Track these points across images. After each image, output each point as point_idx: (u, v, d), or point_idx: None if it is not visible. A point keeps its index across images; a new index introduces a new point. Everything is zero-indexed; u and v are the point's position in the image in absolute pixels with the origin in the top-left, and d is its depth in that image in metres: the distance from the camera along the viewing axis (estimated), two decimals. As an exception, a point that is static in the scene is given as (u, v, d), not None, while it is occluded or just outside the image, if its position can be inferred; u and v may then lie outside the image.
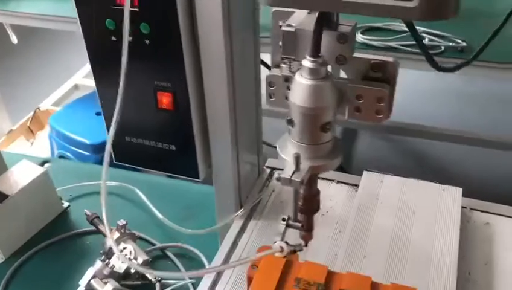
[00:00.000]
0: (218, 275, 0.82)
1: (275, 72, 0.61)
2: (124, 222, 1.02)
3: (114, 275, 0.97)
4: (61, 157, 2.07)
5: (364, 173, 0.97)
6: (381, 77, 0.56)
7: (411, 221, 0.86)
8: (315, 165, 0.56)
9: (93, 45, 0.78)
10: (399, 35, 1.68)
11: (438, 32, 1.67)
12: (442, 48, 1.63)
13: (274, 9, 0.59)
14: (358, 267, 0.78)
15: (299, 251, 0.64)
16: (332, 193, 0.96)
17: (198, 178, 0.87)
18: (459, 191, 0.91)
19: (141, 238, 1.09)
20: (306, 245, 0.66)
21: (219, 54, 0.73)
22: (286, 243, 0.61)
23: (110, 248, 1.02)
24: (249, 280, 0.70)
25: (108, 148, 0.65)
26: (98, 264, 0.96)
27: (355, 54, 0.57)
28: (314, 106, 0.53)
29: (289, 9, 0.58)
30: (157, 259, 1.06)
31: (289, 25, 0.56)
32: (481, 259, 0.85)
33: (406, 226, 0.85)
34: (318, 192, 0.63)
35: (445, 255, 0.80)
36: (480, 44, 0.79)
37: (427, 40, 1.67)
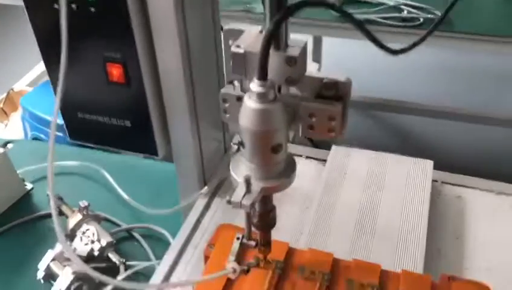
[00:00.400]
0: (179, 255, 0.78)
1: (228, 89, 0.59)
2: (86, 203, 0.99)
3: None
4: (35, 139, 2.02)
5: (333, 147, 0.93)
6: (334, 94, 0.54)
7: (379, 196, 0.83)
8: (267, 186, 0.54)
9: (36, 14, 0.72)
10: (378, 8, 1.63)
11: (416, 4, 1.62)
12: (421, 19, 1.59)
13: (225, 28, 0.57)
14: (323, 244, 0.75)
15: (255, 267, 0.61)
16: (300, 168, 0.91)
17: (157, 155, 0.83)
18: (429, 164, 0.88)
19: (106, 220, 1.06)
20: (265, 259, 0.63)
21: (170, 21, 0.68)
22: (239, 263, 0.58)
23: (73, 230, 0.98)
24: (206, 259, 0.67)
25: (54, 124, 0.60)
26: (59, 247, 0.92)
27: (308, 73, 0.54)
28: (263, 129, 0.50)
29: (239, 28, 0.56)
30: (123, 240, 1.03)
31: (238, 46, 0.54)
32: (452, 233, 0.82)
33: (373, 201, 0.82)
34: (273, 208, 0.60)
35: (414, 230, 0.77)
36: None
37: (405, 12, 1.62)
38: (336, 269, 0.62)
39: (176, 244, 0.79)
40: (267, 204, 0.59)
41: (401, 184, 0.85)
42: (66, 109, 0.83)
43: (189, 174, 0.86)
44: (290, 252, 0.65)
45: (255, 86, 0.49)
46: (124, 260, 0.94)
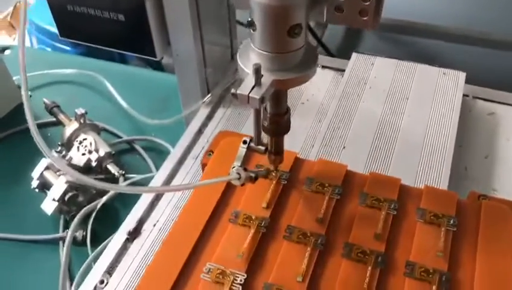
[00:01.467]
0: (179, 164, 0.72)
1: None
2: (83, 111, 0.92)
3: (73, 169, 0.88)
4: (41, 52, 1.94)
5: (353, 54, 0.83)
6: None
7: (403, 108, 0.74)
8: (280, 78, 0.44)
9: None
10: None
11: None
12: None
13: None
14: (336, 158, 0.67)
15: (264, 176, 0.53)
16: (315, 78, 0.82)
17: (155, 57, 0.74)
18: (461, 75, 0.78)
19: (106, 131, 1.00)
20: (276, 169, 0.55)
21: None
22: (245, 169, 0.49)
23: (69, 139, 0.92)
24: (203, 167, 0.60)
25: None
26: (53, 155, 0.87)
27: None
28: (279, 4, 0.41)
29: None
30: (123, 153, 0.98)
31: None
32: (481, 152, 0.73)
33: (396, 113, 0.73)
34: (287, 110, 0.51)
35: (439, 146, 0.69)
36: None
37: None
38: (348, 182, 0.55)
39: (175, 153, 0.73)
40: (281, 104, 0.49)
41: (429, 96, 0.75)
42: (54, 1, 0.74)
43: (190, 80, 0.78)
44: (298, 162, 0.57)
45: None
46: (123, 172, 0.89)
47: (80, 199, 0.84)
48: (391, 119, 0.72)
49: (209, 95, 0.79)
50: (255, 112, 0.48)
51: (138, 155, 0.96)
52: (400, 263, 0.48)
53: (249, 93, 0.42)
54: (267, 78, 0.43)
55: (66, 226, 0.84)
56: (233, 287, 0.45)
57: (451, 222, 0.51)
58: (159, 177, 0.69)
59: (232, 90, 0.43)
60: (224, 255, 0.48)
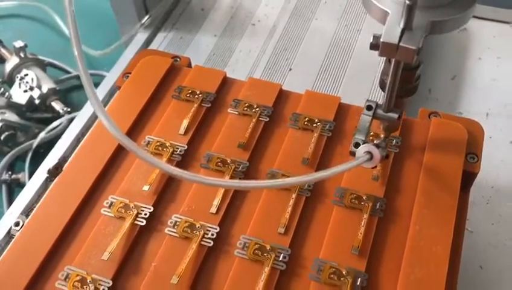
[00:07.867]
0: (110, 96, 0.65)
1: None
2: (22, 44, 0.85)
3: (15, 107, 0.82)
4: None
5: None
6: None
7: (360, 24, 0.66)
8: (438, 19, 0.33)
9: None
10: None
11: None
12: None
13: None
14: (280, 80, 0.61)
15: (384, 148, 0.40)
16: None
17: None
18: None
19: (53, 66, 0.93)
20: (388, 137, 0.42)
21: None
22: (377, 145, 0.36)
23: (10, 76, 0.86)
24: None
25: None
26: (-3, 92, 0.81)
27: None
28: None
29: None
30: (74, 89, 0.91)
31: None
32: (448, 73, 0.66)
33: (351, 31, 0.66)
34: (420, 63, 0.39)
35: (399, 66, 0.62)
36: None
37: None
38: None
39: (104, 84, 0.66)
40: (417, 55, 0.36)
41: (389, 10, 0.67)
42: None
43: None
44: (225, 82, 0.50)
45: None
46: (68, 109, 0.83)
47: (21, 138, 0.79)
48: (345, 38, 0.65)
49: (148, 16, 0.71)
50: (394, 67, 0.35)
51: (89, 91, 0.90)
52: (329, 190, 0.42)
53: (399, 41, 0.31)
54: (421, 19, 0.32)
55: (10, 168, 0.79)
56: (137, 222, 0.40)
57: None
58: (83, 115, 0.62)
59: (372, 41, 0.32)
60: (129, 188, 0.42)
